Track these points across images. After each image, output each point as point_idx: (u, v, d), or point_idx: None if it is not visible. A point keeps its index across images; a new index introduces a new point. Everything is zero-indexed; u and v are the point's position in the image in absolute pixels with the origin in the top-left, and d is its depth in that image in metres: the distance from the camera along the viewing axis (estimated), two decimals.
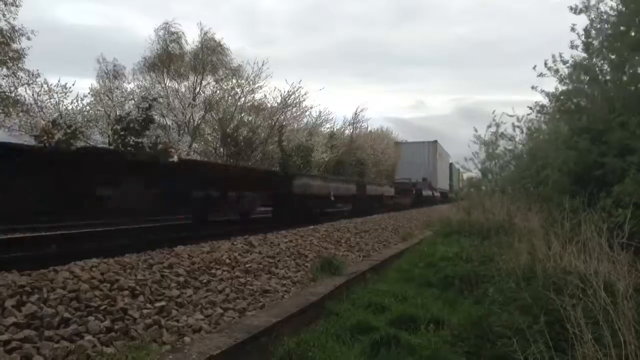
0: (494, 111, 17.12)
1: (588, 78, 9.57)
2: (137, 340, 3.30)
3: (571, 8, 9.37)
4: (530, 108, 15.04)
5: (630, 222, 4.59)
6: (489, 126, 16.55)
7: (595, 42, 9.33)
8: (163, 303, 3.91)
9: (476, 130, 17.18)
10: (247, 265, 5.56)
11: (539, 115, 13.15)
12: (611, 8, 9.10)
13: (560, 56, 10.27)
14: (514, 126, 16.07)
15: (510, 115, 15.44)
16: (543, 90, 10.74)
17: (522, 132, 16.30)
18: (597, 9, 9.24)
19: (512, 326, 3.88)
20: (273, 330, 3.95)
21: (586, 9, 9.40)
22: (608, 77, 9.16)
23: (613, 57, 9.03)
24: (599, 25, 9.21)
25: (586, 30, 9.43)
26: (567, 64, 10.02)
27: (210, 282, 4.73)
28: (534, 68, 11.07)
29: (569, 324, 3.20)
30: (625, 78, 8.74)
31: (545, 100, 11.57)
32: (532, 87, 10.78)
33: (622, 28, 8.56)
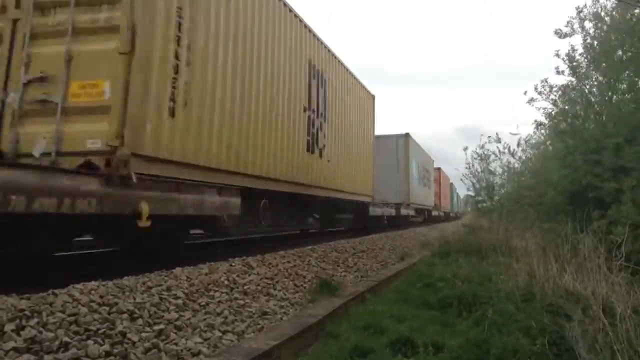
0: (490, 137, 17.36)
1: (579, 100, 9.75)
2: None
3: (556, 32, 9.58)
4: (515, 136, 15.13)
5: (627, 244, 4.62)
6: (481, 147, 16.76)
7: (583, 65, 9.52)
8: (162, 326, 3.90)
9: (478, 147, 17.35)
10: (246, 287, 5.55)
11: (541, 128, 13.38)
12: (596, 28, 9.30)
13: (546, 81, 10.53)
14: (504, 147, 16.26)
15: (514, 134, 15.64)
16: (540, 108, 10.93)
17: (521, 151, 16.47)
18: (583, 28, 9.44)
19: (511, 348, 3.89)
20: (272, 353, 3.94)
21: (572, 32, 9.60)
22: (598, 99, 9.32)
23: (601, 78, 9.20)
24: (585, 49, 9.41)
25: (570, 56, 9.64)
26: (555, 89, 10.27)
27: (208, 305, 4.72)
28: (525, 93, 11.31)
29: (568, 346, 3.21)
30: (615, 97, 8.88)
31: (542, 118, 11.79)
32: (529, 101, 10.97)
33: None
